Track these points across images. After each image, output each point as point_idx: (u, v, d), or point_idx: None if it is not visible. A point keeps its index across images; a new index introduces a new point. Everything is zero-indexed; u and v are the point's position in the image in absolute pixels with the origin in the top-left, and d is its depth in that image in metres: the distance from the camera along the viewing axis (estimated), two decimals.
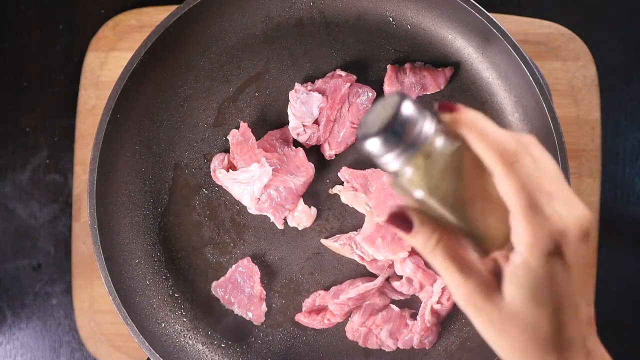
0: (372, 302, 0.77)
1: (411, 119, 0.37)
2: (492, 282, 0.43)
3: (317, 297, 0.77)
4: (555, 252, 0.41)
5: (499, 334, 0.43)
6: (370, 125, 0.38)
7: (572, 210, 0.42)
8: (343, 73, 0.77)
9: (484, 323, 0.44)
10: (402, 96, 0.38)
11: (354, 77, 0.77)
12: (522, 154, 0.41)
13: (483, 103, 0.77)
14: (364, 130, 0.38)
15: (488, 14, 0.71)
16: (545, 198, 0.41)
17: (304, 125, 0.77)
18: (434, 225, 0.43)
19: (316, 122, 0.77)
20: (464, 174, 0.41)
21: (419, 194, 0.40)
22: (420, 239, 0.43)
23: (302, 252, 0.78)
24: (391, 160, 0.39)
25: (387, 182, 0.42)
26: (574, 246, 0.41)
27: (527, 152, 0.42)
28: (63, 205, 0.87)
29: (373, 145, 0.37)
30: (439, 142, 0.40)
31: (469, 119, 0.42)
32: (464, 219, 0.42)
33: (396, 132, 0.37)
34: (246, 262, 0.78)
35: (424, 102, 0.78)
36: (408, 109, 0.38)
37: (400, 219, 0.43)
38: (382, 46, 0.78)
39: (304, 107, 0.76)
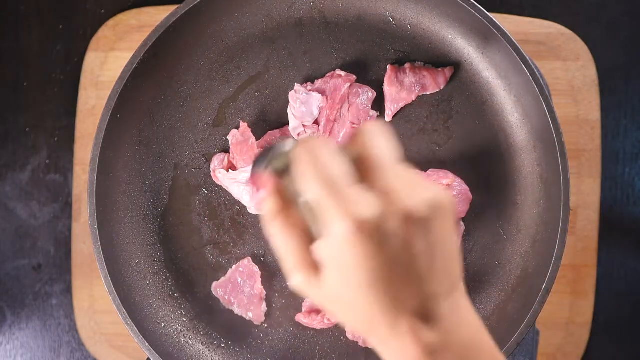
0: None
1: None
2: (317, 265, 0.46)
3: None
4: (375, 231, 0.43)
5: (331, 310, 0.47)
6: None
7: (405, 190, 0.44)
8: (343, 73, 0.77)
9: (315, 299, 0.48)
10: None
11: (354, 77, 0.77)
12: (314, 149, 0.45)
13: (483, 103, 0.77)
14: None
15: (488, 14, 0.71)
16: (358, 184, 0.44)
17: (304, 126, 0.77)
18: (281, 193, 0.47)
19: (316, 122, 0.77)
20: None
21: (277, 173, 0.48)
22: (267, 201, 0.47)
23: None
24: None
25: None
26: (392, 226, 0.43)
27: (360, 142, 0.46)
28: (63, 205, 0.87)
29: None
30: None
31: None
32: (301, 202, 0.47)
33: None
34: (246, 262, 0.78)
35: (423, 102, 0.78)
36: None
37: (258, 183, 0.49)
38: (382, 46, 0.78)
39: (303, 107, 0.76)
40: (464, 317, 0.46)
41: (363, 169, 0.45)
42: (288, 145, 0.49)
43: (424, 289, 0.44)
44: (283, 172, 0.48)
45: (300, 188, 0.46)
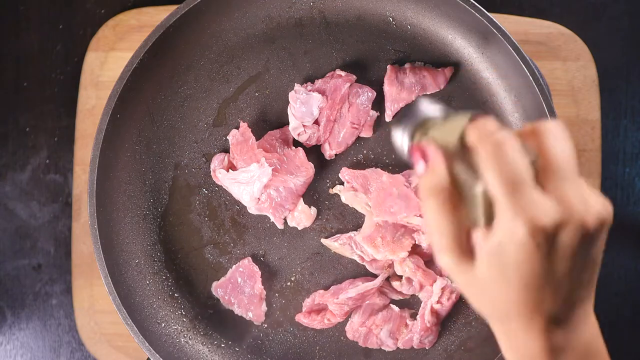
0: (372, 302, 0.77)
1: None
2: (470, 251, 0.46)
3: (317, 296, 0.77)
4: (546, 239, 0.42)
5: (470, 295, 0.47)
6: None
7: (582, 202, 0.43)
8: (343, 73, 0.77)
9: (459, 283, 0.47)
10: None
11: (354, 77, 0.77)
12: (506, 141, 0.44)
13: (483, 103, 0.77)
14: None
15: (488, 14, 0.71)
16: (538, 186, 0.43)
17: (304, 126, 0.77)
18: (446, 171, 0.46)
19: (316, 122, 0.77)
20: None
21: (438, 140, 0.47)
22: (432, 175, 0.46)
23: (302, 252, 0.78)
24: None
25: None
26: (567, 237, 0.43)
27: (539, 138, 0.45)
28: (63, 205, 0.87)
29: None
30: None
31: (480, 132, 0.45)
32: (469, 187, 0.46)
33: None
34: (247, 262, 0.78)
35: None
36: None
37: (423, 154, 0.48)
38: (382, 46, 0.78)
39: (303, 107, 0.76)
40: (589, 322, 0.47)
41: (538, 168, 0.44)
42: (442, 115, 0.47)
43: (569, 296, 0.45)
44: (447, 147, 0.46)
45: (473, 177, 0.45)
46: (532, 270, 0.43)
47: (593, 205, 0.44)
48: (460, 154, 0.46)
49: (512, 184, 0.43)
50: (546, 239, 0.42)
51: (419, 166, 0.48)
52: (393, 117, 0.78)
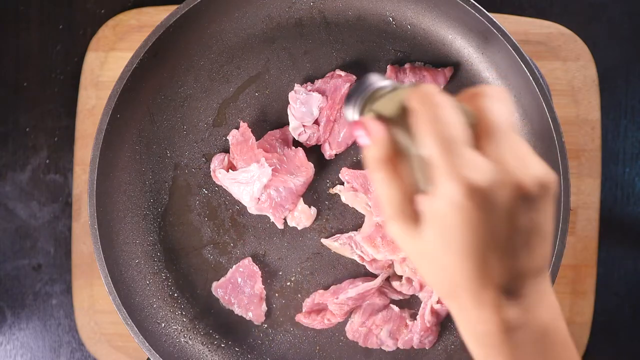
0: (372, 302, 0.77)
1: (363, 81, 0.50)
2: (418, 218, 0.46)
3: (317, 296, 0.77)
4: (484, 199, 0.42)
5: (420, 266, 0.47)
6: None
7: (520, 163, 0.43)
8: (343, 73, 0.77)
9: (408, 252, 0.47)
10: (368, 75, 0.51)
11: (354, 77, 0.77)
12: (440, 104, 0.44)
13: None
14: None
15: (488, 14, 0.71)
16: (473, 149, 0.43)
17: (304, 126, 0.77)
18: (390, 141, 0.47)
19: (316, 122, 0.77)
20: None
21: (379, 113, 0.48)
22: (374, 147, 0.47)
23: (302, 252, 0.78)
24: (355, 101, 0.51)
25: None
26: (504, 197, 0.43)
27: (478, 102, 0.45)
28: (63, 205, 0.87)
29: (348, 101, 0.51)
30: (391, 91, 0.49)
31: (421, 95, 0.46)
32: (412, 153, 0.46)
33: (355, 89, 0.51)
34: (246, 262, 0.78)
35: None
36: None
37: (364, 128, 0.48)
38: (382, 46, 0.78)
39: (303, 107, 0.76)
40: (546, 299, 0.46)
41: (478, 132, 0.45)
42: (389, 85, 0.48)
43: (516, 265, 0.44)
44: (390, 119, 0.46)
45: (414, 142, 0.45)
46: (472, 233, 0.43)
47: (531, 167, 0.44)
48: (404, 122, 0.46)
49: (446, 145, 0.43)
50: (484, 200, 0.42)
51: (362, 140, 0.48)
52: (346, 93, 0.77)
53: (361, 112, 0.50)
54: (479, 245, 0.43)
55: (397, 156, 0.47)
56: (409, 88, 0.47)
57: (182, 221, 0.79)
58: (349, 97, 0.50)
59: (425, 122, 0.44)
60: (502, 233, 0.43)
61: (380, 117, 0.47)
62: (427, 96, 0.44)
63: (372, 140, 0.47)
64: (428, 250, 0.45)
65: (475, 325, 0.46)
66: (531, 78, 0.71)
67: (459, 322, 0.47)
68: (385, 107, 0.47)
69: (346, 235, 0.77)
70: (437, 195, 0.43)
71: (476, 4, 0.71)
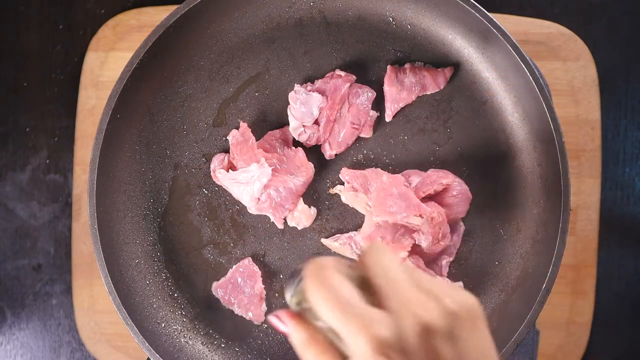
0: None
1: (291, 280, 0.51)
2: None
3: None
4: (396, 351, 0.42)
5: None
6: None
7: (418, 304, 0.43)
8: (343, 73, 0.77)
9: None
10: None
11: (354, 77, 0.77)
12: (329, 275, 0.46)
13: (483, 103, 0.77)
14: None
15: (488, 14, 0.71)
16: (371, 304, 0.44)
17: (304, 126, 0.77)
18: (308, 327, 0.48)
19: (316, 122, 0.77)
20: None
21: (299, 307, 0.50)
22: (295, 335, 0.48)
23: (302, 252, 0.78)
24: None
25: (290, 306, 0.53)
26: (414, 342, 0.42)
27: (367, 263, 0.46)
28: (63, 205, 0.87)
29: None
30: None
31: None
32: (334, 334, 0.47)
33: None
34: (247, 262, 0.78)
35: (423, 102, 0.78)
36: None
37: (279, 320, 0.50)
38: (382, 46, 0.78)
39: (303, 107, 0.76)
40: None
41: (373, 289, 0.45)
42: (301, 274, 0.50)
43: None
44: (302, 302, 0.49)
45: (317, 314, 0.46)
46: None
47: (432, 303, 0.43)
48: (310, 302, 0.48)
49: (341, 309, 0.44)
50: (396, 350, 0.42)
51: (282, 329, 0.50)
52: (392, 116, 0.78)
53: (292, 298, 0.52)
54: None
55: (319, 333, 0.48)
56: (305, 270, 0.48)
57: (182, 221, 0.79)
58: (288, 285, 0.52)
59: (317, 293, 0.45)
60: None
61: (293, 305, 0.50)
62: (315, 274, 0.46)
63: (288, 329, 0.49)
64: None
65: None
66: (531, 78, 0.71)
67: None
68: (296, 295, 0.50)
69: (346, 235, 0.77)
70: (354, 357, 0.44)
71: (476, 4, 0.71)
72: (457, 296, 0.44)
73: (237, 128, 0.78)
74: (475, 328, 0.44)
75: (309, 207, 0.77)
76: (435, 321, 0.43)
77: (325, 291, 0.45)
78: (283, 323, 0.50)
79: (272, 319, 0.50)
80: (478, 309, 0.44)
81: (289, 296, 0.51)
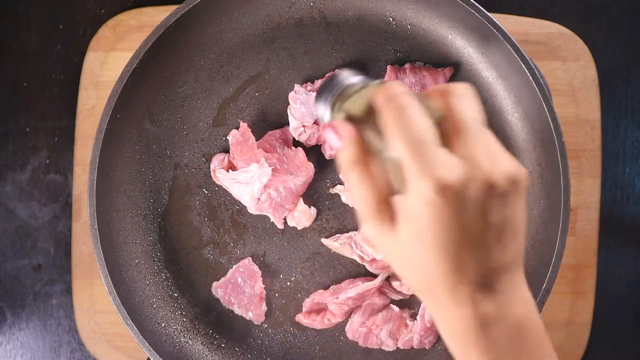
0: (372, 302, 0.77)
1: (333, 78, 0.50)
2: (392, 217, 0.46)
3: (317, 296, 0.77)
4: (455, 197, 0.43)
5: (397, 264, 0.47)
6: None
7: (489, 159, 0.44)
8: None
9: (384, 251, 0.48)
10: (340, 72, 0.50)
11: None
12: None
13: (483, 103, 0.77)
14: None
15: (488, 14, 0.71)
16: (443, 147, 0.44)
17: (304, 126, 0.77)
18: (361, 143, 0.47)
19: (316, 122, 0.77)
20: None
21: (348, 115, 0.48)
22: (346, 150, 0.47)
23: (302, 252, 0.78)
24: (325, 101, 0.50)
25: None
26: (474, 193, 0.43)
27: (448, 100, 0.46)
28: (63, 205, 0.87)
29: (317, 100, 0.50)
30: (359, 89, 0.49)
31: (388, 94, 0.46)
32: (383, 153, 0.47)
33: (324, 87, 0.50)
34: (247, 262, 0.78)
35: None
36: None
37: (335, 129, 0.49)
38: (382, 46, 0.78)
39: (303, 107, 0.76)
40: (520, 294, 0.47)
41: (447, 130, 0.45)
42: (359, 83, 0.48)
43: (490, 260, 0.45)
44: (360, 118, 0.47)
45: (385, 143, 0.45)
46: (445, 230, 0.43)
47: (501, 163, 0.44)
48: (373, 121, 0.46)
49: (414, 145, 0.43)
50: (455, 197, 0.43)
51: (333, 142, 0.48)
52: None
53: (332, 110, 0.50)
54: (452, 241, 0.44)
55: (370, 156, 0.47)
56: (376, 87, 0.47)
57: (182, 221, 0.79)
58: (319, 95, 0.50)
59: (392, 124, 0.44)
60: (475, 229, 0.44)
61: (350, 117, 0.47)
62: (393, 97, 0.45)
63: (343, 143, 0.48)
64: (404, 249, 0.46)
65: (451, 320, 0.46)
66: (531, 78, 0.71)
67: (436, 318, 0.48)
68: (355, 107, 0.47)
69: (346, 235, 0.77)
70: (409, 194, 0.44)
71: (476, 4, 0.71)
72: (517, 164, 0.45)
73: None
74: (522, 200, 0.45)
75: (309, 207, 0.77)
76: (500, 182, 0.44)
77: (402, 123, 0.44)
78: (339, 135, 0.48)
79: (327, 131, 0.48)
80: (528, 183, 0.46)
81: (323, 109, 0.47)
